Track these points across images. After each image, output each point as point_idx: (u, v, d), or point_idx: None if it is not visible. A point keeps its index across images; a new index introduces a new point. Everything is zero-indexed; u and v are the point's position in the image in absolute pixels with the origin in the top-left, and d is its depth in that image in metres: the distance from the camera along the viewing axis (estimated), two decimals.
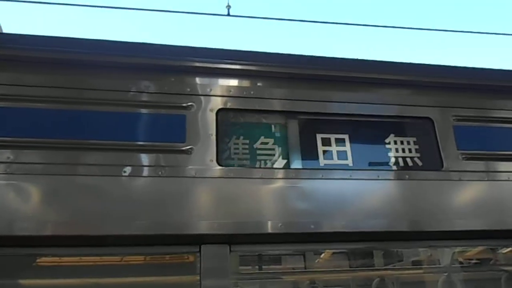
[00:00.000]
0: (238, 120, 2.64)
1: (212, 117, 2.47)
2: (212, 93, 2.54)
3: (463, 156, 2.72)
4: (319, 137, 2.66)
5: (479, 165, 2.72)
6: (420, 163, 2.73)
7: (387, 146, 2.75)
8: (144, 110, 2.46)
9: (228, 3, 6.10)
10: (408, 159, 2.73)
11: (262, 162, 2.58)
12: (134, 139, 2.38)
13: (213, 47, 2.68)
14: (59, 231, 2.13)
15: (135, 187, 2.28)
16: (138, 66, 2.56)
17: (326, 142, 2.66)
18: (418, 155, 2.75)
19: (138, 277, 2.46)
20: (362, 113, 2.73)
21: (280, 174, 2.49)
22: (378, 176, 2.56)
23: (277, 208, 2.37)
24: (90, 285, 2.47)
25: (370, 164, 2.70)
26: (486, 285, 3.11)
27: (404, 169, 2.70)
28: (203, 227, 2.24)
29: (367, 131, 2.79)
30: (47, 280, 2.42)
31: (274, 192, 2.42)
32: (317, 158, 2.61)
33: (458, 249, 2.80)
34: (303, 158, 2.61)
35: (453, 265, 2.87)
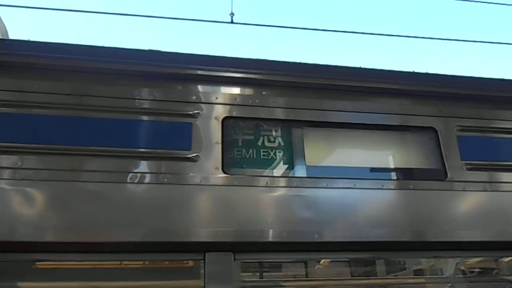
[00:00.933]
0: (244, 128, 2.66)
1: (218, 125, 2.49)
2: (218, 101, 2.57)
3: (467, 166, 2.72)
4: (323, 145, 2.67)
5: (482, 175, 2.73)
6: (424, 173, 2.73)
7: (391, 155, 2.76)
8: (150, 118, 2.47)
9: (231, 11, 6.12)
10: (412, 169, 2.74)
11: (267, 170, 2.59)
12: (140, 146, 2.40)
13: (220, 55, 2.71)
14: (64, 237, 2.14)
15: (141, 194, 2.29)
16: (145, 73, 2.58)
17: (330, 151, 2.67)
18: (422, 165, 2.75)
19: (141, 284, 2.46)
20: (366, 122, 2.74)
21: (285, 182, 2.50)
22: (382, 186, 2.56)
23: (281, 217, 2.38)
24: None
25: (374, 173, 2.71)
26: None
27: (408, 178, 2.71)
28: (207, 235, 2.24)
29: (372, 140, 2.80)
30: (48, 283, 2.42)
31: (278, 201, 2.43)
32: (321, 166, 2.61)
33: (461, 259, 2.79)
34: (308, 166, 2.62)
35: (456, 275, 2.86)
